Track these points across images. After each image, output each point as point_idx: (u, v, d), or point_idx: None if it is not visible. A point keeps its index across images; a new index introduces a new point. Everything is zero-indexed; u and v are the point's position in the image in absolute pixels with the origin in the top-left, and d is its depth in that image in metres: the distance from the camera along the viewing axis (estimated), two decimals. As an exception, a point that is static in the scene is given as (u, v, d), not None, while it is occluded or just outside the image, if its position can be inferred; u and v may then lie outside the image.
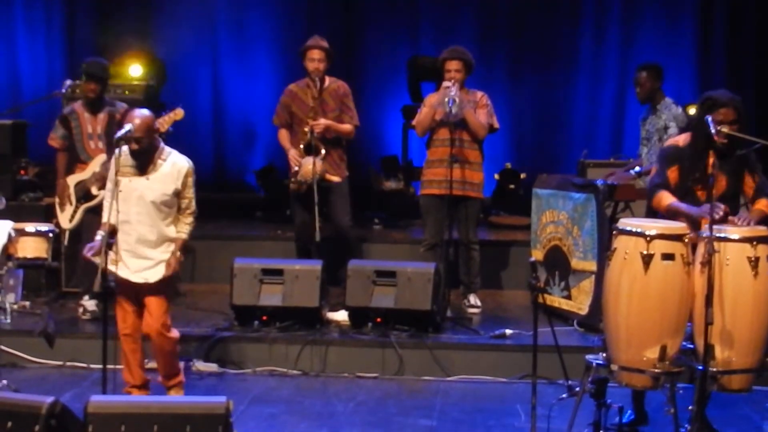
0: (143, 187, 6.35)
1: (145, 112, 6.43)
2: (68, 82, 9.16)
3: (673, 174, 6.10)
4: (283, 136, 8.65)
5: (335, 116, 8.49)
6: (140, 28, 11.98)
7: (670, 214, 5.97)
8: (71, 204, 8.21)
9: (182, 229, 6.50)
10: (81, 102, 8.34)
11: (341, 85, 8.62)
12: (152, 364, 7.18)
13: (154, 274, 6.42)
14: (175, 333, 6.65)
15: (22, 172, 10.00)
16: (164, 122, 7.82)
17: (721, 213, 5.76)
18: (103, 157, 8.07)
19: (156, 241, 6.41)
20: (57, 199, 8.35)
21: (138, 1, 12.26)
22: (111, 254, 6.34)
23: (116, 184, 6.33)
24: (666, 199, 6.02)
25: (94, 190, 8.08)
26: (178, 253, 6.47)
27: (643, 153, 8.49)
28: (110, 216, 6.31)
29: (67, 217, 8.25)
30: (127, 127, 6.24)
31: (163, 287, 6.47)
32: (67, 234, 8.35)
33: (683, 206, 5.95)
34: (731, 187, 6.04)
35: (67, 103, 9.06)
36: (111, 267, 6.31)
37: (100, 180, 7.90)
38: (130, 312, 6.53)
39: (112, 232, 6.38)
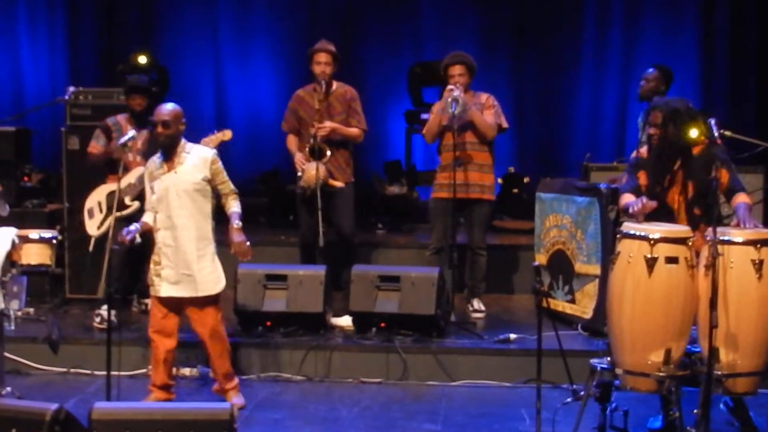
0: (174, 181, 6.62)
1: (174, 105, 6.76)
2: (71, 88, 9.15)
3: (642, 178, 6.14)
4: (291, 141, 8.64)
5: (342, 120, 8.48)
6: (143, 34, 11.99)
7: (624, 212, 6.04)
8: (101, 212, 8.25)
9: (232, 204, 6.80)
10: (126, 115, 8.35)
11: (349, 89, 8.60)
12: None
13: (204, 287, 6.66)
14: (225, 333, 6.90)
15: (26, 178, 10.01)
16: (211, 141, 7.86)
17: (638, 207, 5.81)
18: (140, 169, 7.99)
19: (197, 236, 6.64)
20: (86, 205, 8.35)
21: (141, 7, 12.27)
22: (152, 272, 6.66)
23: (151, 190, 6.69)
24: (623, 199, 6.08)
25: (127, 200, 8.09)
26: (242, 236, 6.75)
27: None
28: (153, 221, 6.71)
29: (95, 224, 8.28)
30: (131, 133, 6.66)
31: (215, 295, 6.73)
32: (93, 241, 8.32)
33: (628, 202, 5.98)
34: (703, 186, 6.00)
35: (69, 110, 9.08)
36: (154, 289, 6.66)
37: (134, 191, 7.98)
38: (168, 313, 6.72)
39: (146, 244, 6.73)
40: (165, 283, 6.65)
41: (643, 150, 6.31)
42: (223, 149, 11.51)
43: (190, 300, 6.66)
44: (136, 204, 7.92)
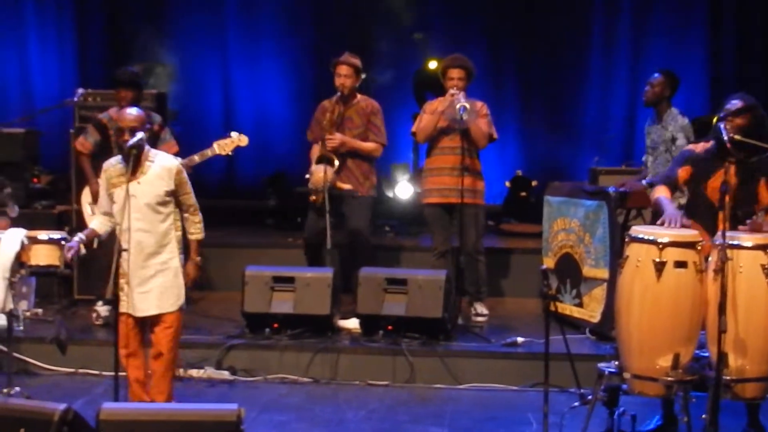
0: (137, 191, 6.25)
1: (138, 109, 6.45)
2: (80, 90, 9.17)
3: (684, 173, 6.13)
4: (315, 151, 8.57)
5: (359, 133, 8.43)
6: (151, 36, 12.01)
7: (654, 207, 6.00)
8: None
9: (195, 230, 6.45)
10: (117, 109, 8.34)
11: (371, 103, 8.55)
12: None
13: (169, 303, 6.34)
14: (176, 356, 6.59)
15: (35, 180, 10.03)
16: (227, 146, 7.85)
17: (676, 226, 5.81)
18: None
19: (155, 246, 6.29)
20: (88, 202, 8.33)
21: (149, 10, 12.28)
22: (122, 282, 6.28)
23: (110, 197, 6.32)
24: (657, 192, 6.10)
25: None
26: (198, 258, 6.44)
27: (648, 162, 8.48)
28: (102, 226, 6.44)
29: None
30: (140, 135, 6.23)
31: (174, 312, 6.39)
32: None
33: (663, 203, 5.96)
34: (744, 194, 6.01)
35: (78, 112, 9.09)
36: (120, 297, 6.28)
37: None
38: (133, 329, 6.38)
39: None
40: (127, 300, 6.28)
41: (700, 146, 6.26)
42: (230, 152, 11.56)
43: (151, 317, 6.33)
44: None
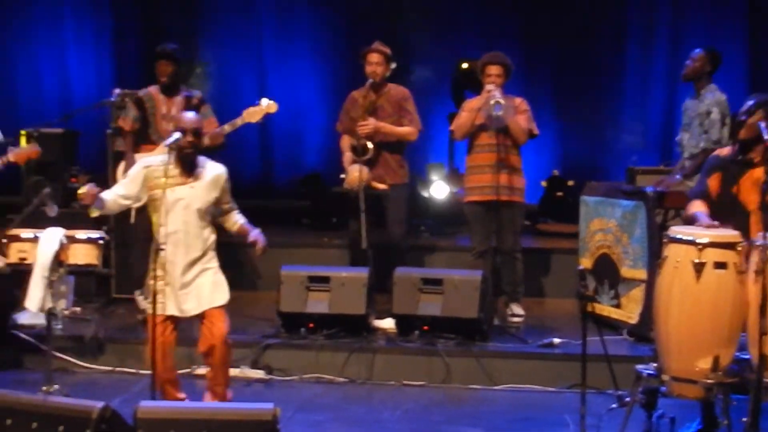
0: (188, 195, 6.25)
1: (195, 113, 6.47)
2: (117, 91, 9.24)
3: (714, 182, 6.08)
4: (344, 141, 8.62)
5: (392, 122, 8.44)
6: (187, 36, 12.06)
7: (690, 222, 5.94)
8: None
9: (238, 218, 6.50)
10: (157, 86, 8.41)
11: (401, 90, 8.57)
12: (200, 371, 7.23)
13: (213, 299, 6.33)
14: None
15: (73, 180, 10.08)
16: (255, 113, 7.84)
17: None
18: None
19: (200, 249, 6.30)
20: (121, 171, 8.35)
21: (185, 10, 12.34)
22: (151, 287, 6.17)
23: (148, 199, 6.28)
24: (692, 207, 6.04)
25: None
26: (255, 230, 6.44)
27: (684, 139, 8.41)
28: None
29: None
30: (177, 134, 6.23)
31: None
32: (133, 212, 8.25)
33: (700, 217, 5.92)
34: None
35: (115, 112, 9.14)
36: (148, 304, 6.21)
37: None
38: (171, 333, 6.36)
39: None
40: (167, 302, 6.25)
41: (725, 150, 6.22)
42: (265, 152, 11.64)
43: (201, 314, 6.32)
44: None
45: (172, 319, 6.32)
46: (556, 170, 11.36)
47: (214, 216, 6.43)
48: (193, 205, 6.26)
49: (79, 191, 6.15)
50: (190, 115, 6.38)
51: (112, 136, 9.14)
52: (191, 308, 6.31)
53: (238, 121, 8.07)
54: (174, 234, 6.23)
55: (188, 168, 6.26)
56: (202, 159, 6.36)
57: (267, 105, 7.95)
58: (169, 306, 6.26)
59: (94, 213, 6.33)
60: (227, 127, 8.10)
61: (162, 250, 6.09)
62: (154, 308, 6.05)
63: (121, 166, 8.59)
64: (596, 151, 11.91)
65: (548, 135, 8.70)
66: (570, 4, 11.92)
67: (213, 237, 6.40)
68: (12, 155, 6.72)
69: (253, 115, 7.93)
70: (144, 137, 8.45)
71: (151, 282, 6.07)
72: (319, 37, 12.30)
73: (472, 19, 12.14)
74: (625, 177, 9.93)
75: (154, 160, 6.33)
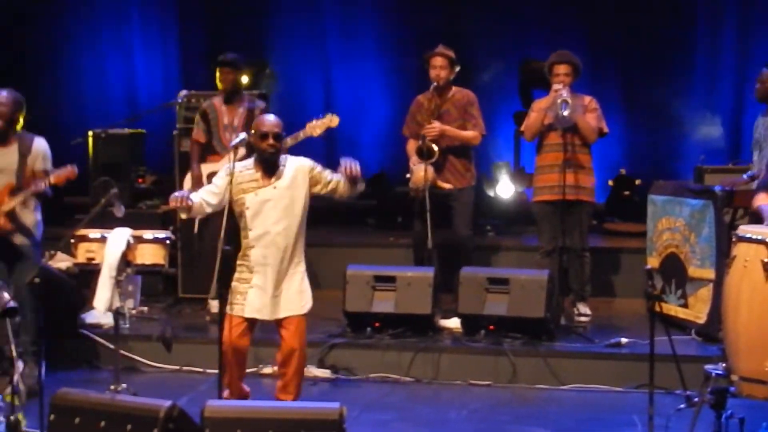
0: (273, 196, 6.20)
1: (275, 116, 6.42)
2: (183, 92, 9.32)
3: None
4: (411, 145, 8.60)
5: (457, 126, 8.42)
6: (252, 38, 12.14)
7: (756, 214, 5.86)
8: None
9: (337, 176, 6.33)
10: (219, 97, 8.47)
11: (467, 93, 8.54)
12: (267, 370, 7.27)
13: (294, 307, 6.31)
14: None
15: (140, 180, 10.21)
16: (317, 127, 7.87)
17: None
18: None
19: (291, 249, 6.25)
20: (189, 186, 8.36)
21: (250, 11, 12.40)
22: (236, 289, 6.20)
23: (233, 205, 6.22)
24: (759, 200, 5.94)
25: None
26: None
27: (755, 157, 8.30)
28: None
29: None
30: (242, 135, 6.26)
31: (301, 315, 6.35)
32: (196, 223, 8.37)
33: (765, 211, 5.82)
34: None
35: (181, 113, 9.22)
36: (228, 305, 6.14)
37: None
38: (246, 333, 6.31)
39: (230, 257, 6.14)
40: (249, 304, 6.22)
41: None
42: (330, 152, 11.68)
43: (282, 318, 6.29)
44: None
45: (249, 321, 6.28)
46: (623, 169, 11.26)
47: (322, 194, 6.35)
48: (279, 204, 6.21)
49: (171, 197, 6.24)
50: (271, 118, 6.33)
51: (179, 136, 9.22)
52: (273, 312, 6.26)
53: (301, 135, 8.09)
54: (261, 237, 6.21)
55: (270, 170, 6.24)
56: (283, 157, 6.32)
57: (329, 119, 7.97)
58: (248, 308, 6.23)
59: (183, 215, 6.42)
60: (290, 140, 8.11)
61: (227, 249, 6.06)
62: (221, 309, 6.04)
63: (188, 178, 8.61)
64: (663, 150, 11.79)
65: (615, 134, 8.63)
66: (636, 1, 11.81)
67: (302, 240, 6.34)
68: (53, 177, 6.87)
69: (314, 128, 7.95)
70: (209, 148, 8.49)
71: (234, 283, 6.14)
72: (383, 36, 12.32)
73: (536, 16, 12.08)
74: (693, 176, 9.82)
75: (237, 167, 6.28)
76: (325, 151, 12.45)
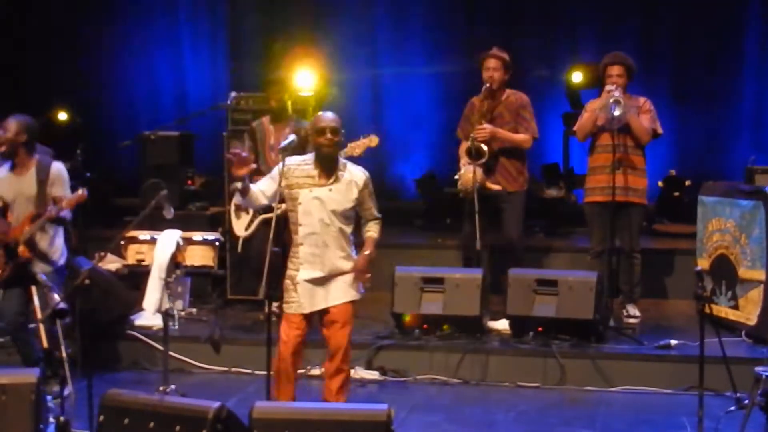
0: (327, 196, 6.17)
1: (332, 113, 6.37)
2: (233, 94, 9.37)
3: None
4: (462, 147, 8.56)
5: (509, 129, 8.39)
6: (303, 41, 12.16)
7: None
8: (248, 213, 8.25)
9: (372, 228, 6.33)
10: (268, 117, 8.46)
11: (520, 96, 8.51)
12: (315, 371, 7.28)
13: (345, 294, 6.26)
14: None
15: (189, 182, 10.27)
16: (357, 147, 7.87)
17: None
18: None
19: (335, 248, 6.20)
20: (233, 206, 8.38)
21: (300, 12, 12.43)
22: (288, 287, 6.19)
23: (285, 198, 6.21)
24: None
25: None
26: (369, 252, 6.25)
27: None
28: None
29: (242, 225, 8.29)
30: (291, 137, 6.28)
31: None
32: (240, 242, 8.38)
33: None
34: None
35: (231, 115, 9.26)
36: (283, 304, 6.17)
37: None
38: (303, 331, 6.27)
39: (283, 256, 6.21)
40: (303, 300, 6.19)
41: None
42: (380, 154, 11.71)
43: (328, 316, 6.24)
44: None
45: (305, 317, 6.25)
46: (672, 170, 11.19)
47: (356, 219, 6.33)
48: (329, 206, 6.18)
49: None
50: (328, 114, 6.29)
51: (229, 138, 9.25)
52: (324, 300, 6.21)
53: (342, 155, 8.10)
54: (311, 235, 6.20)
55: (328, 169, 6.21)
56: (343, 162, 6.32)
57: (369, 139, 7.97)
58: (303, 304, 6.21)
59: (238, 185, 6.27)
60: None
61: (276, 250, 6.07)
62: (268, 307, 6.08)
63: (233, 201, 8.64)
64: (713, 151, 11.71)
65: (665, 135, 8.55)
66: (688, 3, 11.72)
67: (350, 238, 6.30)
68: (65, 203, 6.89)
69: (354, 149, 7.95)
70: (256, 167, 8.46)
71: (287, 281, 6.15)
72: (433, 38, 12.32)
73: (586, 18, 12.03)
74: (743, 177, 9.73)
75: (292, 160, 6.28)
76: (374, 152, 12.46)
